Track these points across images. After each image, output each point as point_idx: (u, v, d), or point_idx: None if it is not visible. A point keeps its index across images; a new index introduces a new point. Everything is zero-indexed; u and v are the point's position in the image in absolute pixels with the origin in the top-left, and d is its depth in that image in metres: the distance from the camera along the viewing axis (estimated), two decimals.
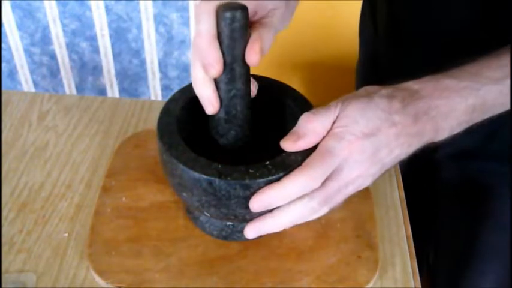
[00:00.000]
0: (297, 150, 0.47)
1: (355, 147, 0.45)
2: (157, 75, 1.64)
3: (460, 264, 0.74)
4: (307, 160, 0.46)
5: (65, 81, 1.69)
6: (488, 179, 0.67)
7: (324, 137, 0.46)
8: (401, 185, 0.64)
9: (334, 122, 0.46)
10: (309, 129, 0.46)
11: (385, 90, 0.48)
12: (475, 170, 0.68)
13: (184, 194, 0.49)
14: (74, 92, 1.70)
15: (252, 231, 0.48)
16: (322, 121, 0.46)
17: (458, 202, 0.73)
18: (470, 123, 0.49)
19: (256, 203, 0.46)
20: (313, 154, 0.46)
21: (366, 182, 0.48)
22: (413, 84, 0.48)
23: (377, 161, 0.46)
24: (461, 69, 0.49)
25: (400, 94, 0.47)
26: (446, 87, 0.47)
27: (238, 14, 0.45)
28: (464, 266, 0.74)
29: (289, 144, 0.47)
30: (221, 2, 0.46)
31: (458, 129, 0.49)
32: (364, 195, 0.60)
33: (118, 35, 1.56)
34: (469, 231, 0.72)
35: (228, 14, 0.45)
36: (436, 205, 0.66)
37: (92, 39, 1.57)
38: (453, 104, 0.47)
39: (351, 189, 0.47)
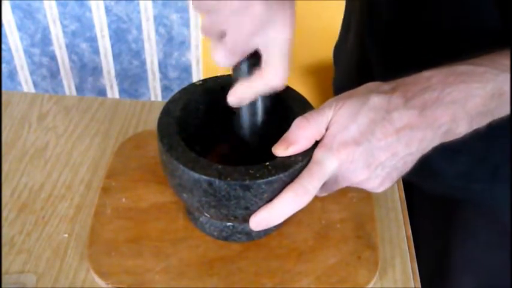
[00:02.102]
0: (288, 155, 0.46)
1: (344, 157, 0.44)
2: (157, 76, 1.64)
3: (435, 275, 0.72)
4: (298, 176, 0.45)
5: (65, 82, 1.69)
6: (461, 194, 0.65)
7: (317, 145, 0.46)
8: (402, 186, 0.64)
9: (328, 126, 0.46)
10: (299, 136, 0.46)
11: (386, 86, 0.45)
12: (447, 185, 0.65)
13: (184, 195, 0.49)
14: (74, 92, 1.70)
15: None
16: (315, 126, 0.46)
17: (431, 213, 0.71)
18: (489, 117, 0.45)
19: (254, 224, 0.47)
20: (304, 169, 0.46)
21: (377, 187, 0.46)
22: (424, 72, 0.45)
23: (378, 165, 0.44)
24: (475, 59, 0.45)
25: (403, 88, 0.44)
26: (462, 73, 0.44)
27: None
28: (440, 277, 0.72)
29: (281, 151, 0.46)
30: None
31: (476, 122, 0.45)
32: (364, 196, 0.60)
33: (118, 35, 1.56)
34: (442, 242, 0.70)
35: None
36: (411, 214, 0.64)
37: (92, 40, 1.57)
38: (470, 89, 0.43)
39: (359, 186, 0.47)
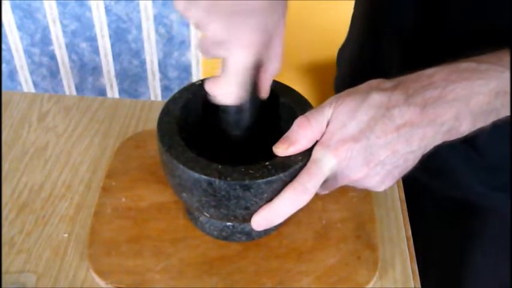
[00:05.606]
0: (288, 155, 0.46)
1: (342, 154, 0.44)
2: (157, 75, 1.64)
3: (448, 284, 0.72)
4: (298, 175, 0.45)
5: (64, 82, 1.69)
6: (476, 201, 0.64)
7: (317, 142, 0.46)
8: (402, 186, 0.64)
9: (327, 123, 0.45)
10: (300, 136, 0.46)
11: (388, 83, 0.45)
12: (462, 190, 0.64)
13: (184, 195, 0.49)
14: (74, 92, 1.70)
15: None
16: (316, 126, 0.45)
17: (446, 220, 0.70)
18: (494, 115, 0.44)
19: (255, 224, 0.47)
20: (304, 168, 0.45)
21: (377, 185, 0.46)
22: (427, 70, 0.44)
23: (377, 163, 0.44)
24: (479, 56, 0.44)
25: (404, 85, 0.44)
26: (465, 69, 0.43)
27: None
28: (453, 287, 0.72)
29: (281, 151, 0.46)
30: None
31: (480, 120, 0.44)
32: (364, 195, 0.60)
33: (118, 35, 1.56)
34: (456, 251, 0.70)
35: None
36: (422, 221, 0.63)
37: (92, 39, 1.57)
38: (474, 86, 0.42)
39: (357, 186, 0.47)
